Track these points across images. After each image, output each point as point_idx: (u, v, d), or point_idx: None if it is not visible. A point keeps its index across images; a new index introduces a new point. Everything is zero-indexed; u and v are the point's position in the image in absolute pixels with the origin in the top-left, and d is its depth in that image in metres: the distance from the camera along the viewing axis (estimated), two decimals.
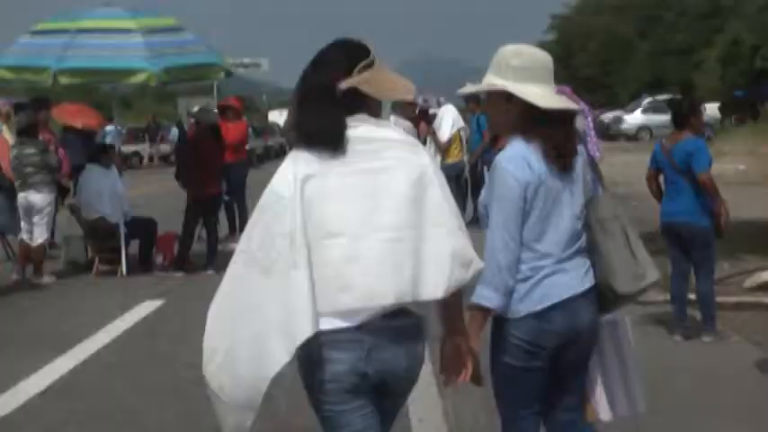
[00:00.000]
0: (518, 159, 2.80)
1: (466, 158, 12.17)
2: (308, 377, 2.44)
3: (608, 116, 40.14)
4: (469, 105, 12.82)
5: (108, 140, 14.84)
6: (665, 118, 37.61)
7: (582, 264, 2.90)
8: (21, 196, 8.73)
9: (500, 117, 2.94)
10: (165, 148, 31.95)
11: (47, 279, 8.85)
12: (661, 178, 6.35)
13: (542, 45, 70.55)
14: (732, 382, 5.19)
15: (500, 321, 2.87)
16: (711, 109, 33.95)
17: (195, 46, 9.57)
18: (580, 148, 2.96)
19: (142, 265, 9.31)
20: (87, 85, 10.61)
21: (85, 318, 7.03)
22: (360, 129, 2.47)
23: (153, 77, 8.67)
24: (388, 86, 2.57)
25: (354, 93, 2.46)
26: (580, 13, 64.39)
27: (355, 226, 2.39)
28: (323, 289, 2.35)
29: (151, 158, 33.00)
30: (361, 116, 2.49)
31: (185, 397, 4.83)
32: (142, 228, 9.44)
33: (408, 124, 12.15)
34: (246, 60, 52.03)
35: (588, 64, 59.77)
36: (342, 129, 2.44)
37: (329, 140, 2.43)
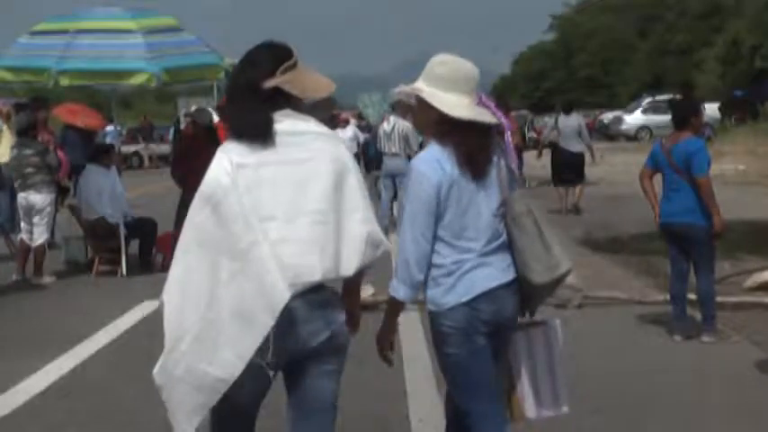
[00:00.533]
0: (431, 161, 3.00)
1: None
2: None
3: (608, 116, 40.16)
4: None
5: (108, 141, 14.86)
6: (665, 118, 37.54)
7: (504, 258, 3.10)
8: (21, 196, 8.73)
9: (423, 120, 3.14)
10: (165, 148, 31.95)
11: (47, 279, 8.85)
12: (656, 178, 6.34)
13: (542, 45, 70.47)
14: (732, 382, 5.19)
15: (434, 315, 3.05)
16: (711, 109, 33.95)
17: (195, 46, 9.57)
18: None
19: (142, 265, 9.32)
20: (87, 85, 10.60)
21: (85, 318, 7.03)
22: (285, 123, 2.72)
23: (153, 78, 8.66)
24: (310, 86, 2.81)
25: (278, 91, 2.71)
26: (580, 13, 64.40)
27: (285, 210, 2.64)
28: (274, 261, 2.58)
29: (150, 159, 33.00)
30: (286, 111, 2.73)
31: None
32: (142, 228, 9.45)
33: (408, 124, 12.16)
34: None
35: (588, 64, 59.80)
36: (269, 123, 2.69)
37: (258, 134, 2.68)
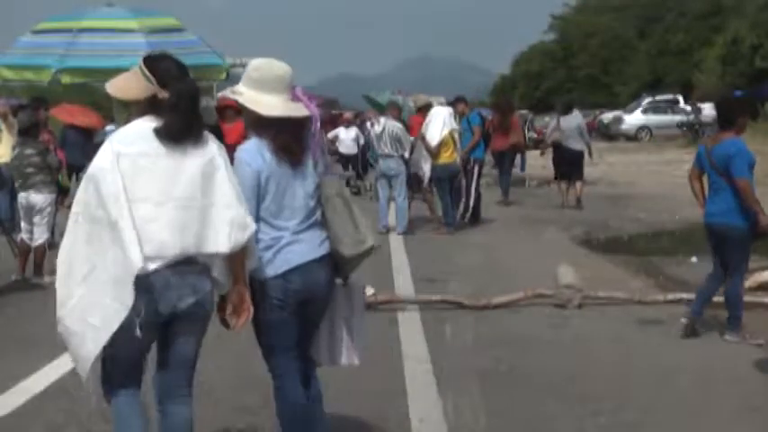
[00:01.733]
0: (252, 151, 3.50)
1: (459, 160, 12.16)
2: None
3: (608, 116, 40.13)
4: (459, 107, 12.84)
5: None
6: (664, 118, 37.76)
7: (317, 235, 3.59)
8: (21, 196, 8.72)
9: (247, 118, 3.60)
10: None
11: (47, 279, 8.83)
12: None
13: (542, 45, 70.40)
14: (732, 382, 5.19)
15: (254, 283, 3.45)
16: (711, 109, 33.97)
17: (197, 47, 9.57)
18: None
19: None
20: (87, 85, 10.60)
21: None
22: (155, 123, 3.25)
23: None
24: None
25: (156, 100, 3.26)
26: (580, 13, 64.39)
27: (156, 195, 3.16)
28: (135, 241, 3.10)
29: None
30: (149, 117, 3.25)
31: None
32: None
33: (399, 125, 12.20)
34: (246, 60, 52.17)
35: (588, 64, 59.76)
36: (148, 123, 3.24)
37: (139, 131, 3.22)
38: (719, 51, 38.81)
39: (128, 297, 3.05)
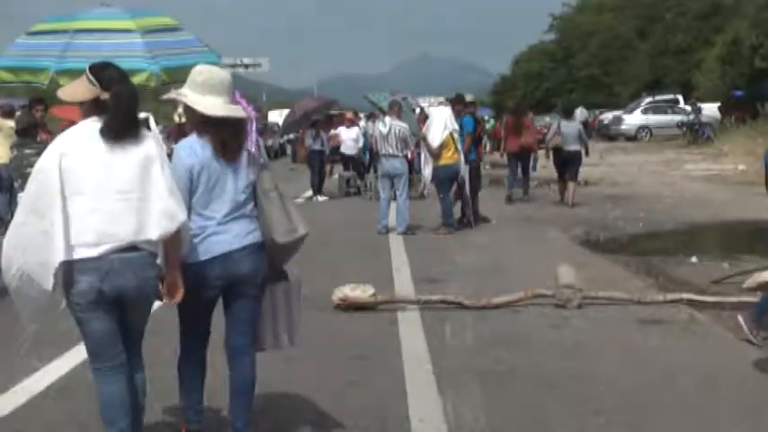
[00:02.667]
0: (187, 147, 3.93)
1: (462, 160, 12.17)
2: (66, 292, 3.60)
3: (608, 116, 40.15)
4: (456, 107, 12.86)
5: None
6: (665, 118, 37.73)
7: (244, 227, 3.96)
8: (21, 196, 8.74)
9: (190, 118, 4.04)
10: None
11: None
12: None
13: (542, 45, 70.28)
14: (732, 382, 5.19)
15: (183, 266, 3.85)
16: (711, 109, 33.95)
17: (194, 46, 9.55)
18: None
19: None
20: None
21: None
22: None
23: (152, 78, 8.64)
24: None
25: (99, 101, 3.69)
26: (580, 13, 64.39)
27: (98, 188, 3.57)
28: (74, 230, 3.52)
29: None
30: (94, 118, 3.68)
31: None
32: None
33: (404, 125, 12.27)
34: (246, 60, 51.92)
35: (588, 64, 59.78)
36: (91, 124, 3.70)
37: (84, 131, 3.68)
38: (719, 51, 38.76)
39: (49, 282, 3.52)
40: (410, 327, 6.54)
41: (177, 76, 9.42)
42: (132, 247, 3.59)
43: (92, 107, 3.70)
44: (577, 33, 61.74)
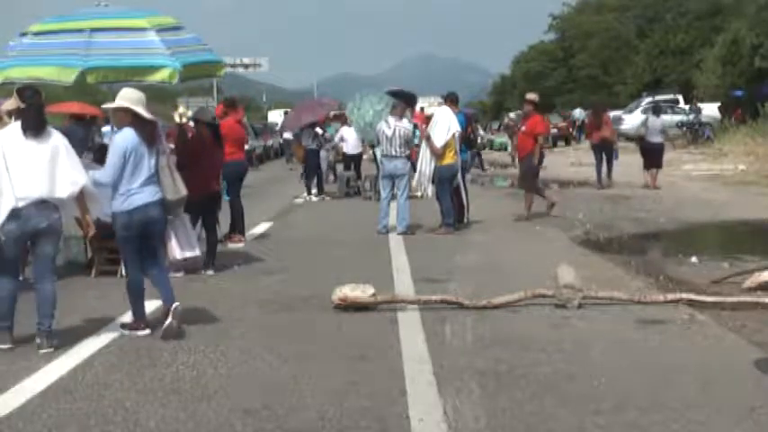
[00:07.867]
0: (124, 136, 6.32)
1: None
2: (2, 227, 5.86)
3: (607, 116, 40.05)
4: (450, 107, 12.85)
5: (107, 140, 14.91)
6: (665, 118, 37.69)
7: (153, 190, 6.40)
8: None
9: (123, 119, 6.39)
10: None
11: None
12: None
13: (542, 45, 69.89)
14: (732, 382, 5.19)
15: (113, 215, 6.39)
16: (711, 109, 33.94)
17: (198, 44, 9.59)
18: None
19: None
20: (87, 85, 10.55)
21: (85, 318, 7.03)
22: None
23: (175, 74, 8.64)
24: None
25: (20, 110, 6.16)
26: (580, 13, 64.34)
27: (25, 165, 5.84)
28: (13, 191, 5.80)
29: None
30: None
31: (185, 397, 4.84)
32: None
33: (408, 126, 12.35)
34: (246, 60, 51.91)
35: (588, 64, 59.75)
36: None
37: (14, 129, 6.02)
38: (719, 51, 38.75)
39: (2, 219, 5.78)
40: (410, 327, 6.54)
41: (191, 72, 9.44)
42: (43, 201, 5.86)
43: (17, 113, 6.05)
44: (577, 33, 61.70)
